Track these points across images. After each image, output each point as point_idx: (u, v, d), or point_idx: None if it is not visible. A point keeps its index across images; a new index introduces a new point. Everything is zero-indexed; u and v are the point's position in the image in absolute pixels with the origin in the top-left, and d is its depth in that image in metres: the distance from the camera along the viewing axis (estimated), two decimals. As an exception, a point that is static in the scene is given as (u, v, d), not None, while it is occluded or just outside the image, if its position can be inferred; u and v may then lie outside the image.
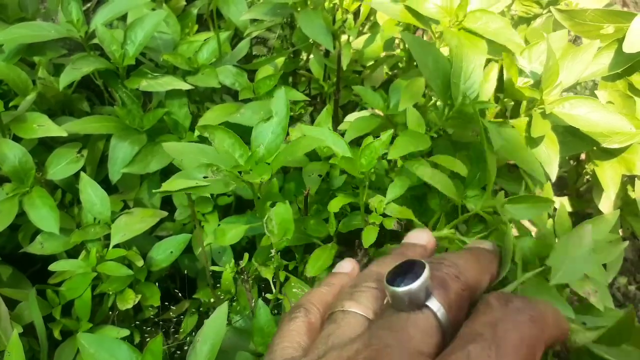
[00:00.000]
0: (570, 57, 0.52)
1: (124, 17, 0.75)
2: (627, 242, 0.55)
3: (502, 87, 0.56)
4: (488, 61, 0.65)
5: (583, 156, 0.67)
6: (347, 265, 0.38)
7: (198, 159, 0.43)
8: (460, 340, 0.27)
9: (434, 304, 0.29)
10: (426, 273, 0.29)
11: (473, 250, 0.37)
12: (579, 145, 0.53)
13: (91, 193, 0.57)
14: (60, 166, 0.60)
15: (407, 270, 0.29)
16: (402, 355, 0.26)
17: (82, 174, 0.58)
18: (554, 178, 0.50)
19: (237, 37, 0.87)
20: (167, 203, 0.68)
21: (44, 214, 0.56)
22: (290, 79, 0.83)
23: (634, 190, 0.60)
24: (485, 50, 0.52)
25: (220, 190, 0.43)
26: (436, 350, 0.28)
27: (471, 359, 0.25)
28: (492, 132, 0.46)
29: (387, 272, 0.30)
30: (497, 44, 0.53)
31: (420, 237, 0.38)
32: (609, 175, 0.55)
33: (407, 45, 0.65)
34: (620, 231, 0.72)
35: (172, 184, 0.41)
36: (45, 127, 0.58)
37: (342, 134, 0.61)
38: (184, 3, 0.84)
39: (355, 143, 0.58)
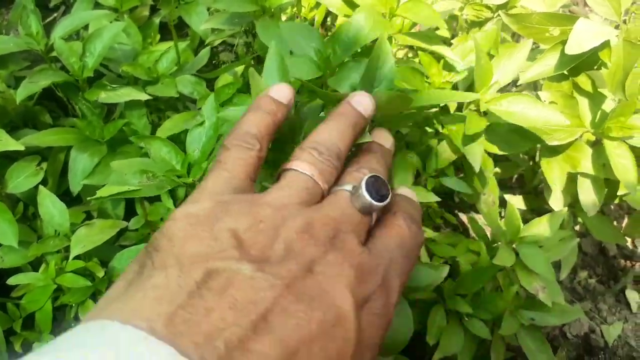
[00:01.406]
0: (505, 56, 0.54)
1: (87, 28, 0.76)
2: (578, 239, 0.57)
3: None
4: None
5: (537, 154, 0.69)
6: (286, 93, 0.37)
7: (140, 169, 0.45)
8: (384, 243, 0.32)
9: (375, 214, 0.34)
10: (390, 193, 0.33)
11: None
12: (522, 142, 0.55)
13: (50, 205, 0.58)
14: (20, 179, 0.61)
15: (380, 185, 0.33)
16: (356, 242, 0.31)
17: (41, 187, 0.59)
18: (477, 169, 0.51)
19: (202, 44, 0.88)
20: (132, 213, 0.68)
21: (2, 228, 0.56)
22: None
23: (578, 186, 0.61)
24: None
25: (152, 192, 0.45)
26: None
27: (394, 262, 0.31)
28: None
29: (364, 182, 0.33)
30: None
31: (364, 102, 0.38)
32: (555, 172, 0.56)
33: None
34: (577, 227, 0.74)
35: (106, 190, 0.43)
36: (2, 141, 0.58)
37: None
38: (147, 13, 0.85)
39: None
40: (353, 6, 0.57)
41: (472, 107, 0.51)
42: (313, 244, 0.29)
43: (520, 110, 0.49)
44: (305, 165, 0.33)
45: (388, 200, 0.33)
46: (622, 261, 0.78)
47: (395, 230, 0.34)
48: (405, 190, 0.39)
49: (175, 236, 0.28)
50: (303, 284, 0.27)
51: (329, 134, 0.35)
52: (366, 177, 0.33)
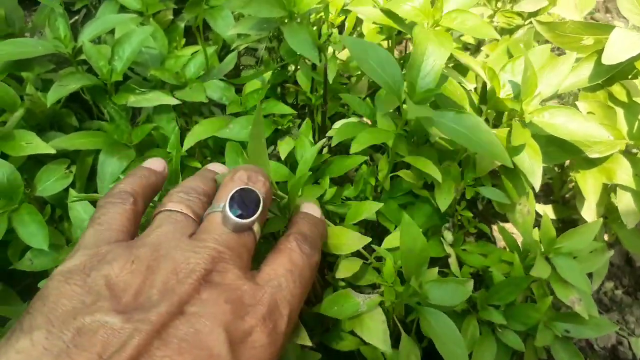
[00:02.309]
0: (549, 68, 0.53)
1: (112, 31, 0.76)
2: (612, 252, 0.56)
3: (485, 98, 0.57)
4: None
5: (567, 163, 0.68)
6: (159, 164, 0.41)
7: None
8: (273, 269, 0.33)
9: (257, 228, 0.34)
10: (262, 206, 0.33)
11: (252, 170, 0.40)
12: (560, 154, 0.54)
13: (80, 210, 0.58)
14: (49, 182, 0.61)
15: (248, 197, 0.34)
16: (236, 272, 0.30)
17: (71, 190, 0.59)
18: (537, 187, 0.51)
19: (225, 48, 0.88)
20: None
21: (33, 231, 0.56)
22: (279, 90, 0.84)
23: (617, 198, 0.61)
24: (451, 45, 0.52)
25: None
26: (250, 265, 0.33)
27: (283, 288, 0.32)
28: (434, 120, 0.46)
29: (228, 197, 0.33)
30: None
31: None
32: (590, 183, 0.56)
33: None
34: (605, 236, 0.73)
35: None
36: (33, 144, 0.58)
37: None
38: (171, 17, 0.85)
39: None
40: (393, 17, 0.56)
41: (516, 117, 0.50)
42: (186, 282, 0.29)
43: (562, 123, 0.48)
44: (172, 204, 0.35)
45: (257, 214, 0.33)
46: (649, 272, 0.77)
47: (285, 253, 0.34)
48: (309, 206, 0.40)
49: (49, 295, 0.29)
50: (174, 327, 0.27)
51: (190, 182, 0.38)
52: (232, 193, 0.33)
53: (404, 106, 0.51)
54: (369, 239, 0.46)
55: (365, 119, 0.64)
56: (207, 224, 0.33)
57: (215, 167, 0.42)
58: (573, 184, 0.70)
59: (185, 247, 0.31)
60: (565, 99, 0.93)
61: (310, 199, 0.45)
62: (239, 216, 0.33)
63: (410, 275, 0.46)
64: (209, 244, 0.31)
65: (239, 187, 0.34)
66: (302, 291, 0.33)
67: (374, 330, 0.45)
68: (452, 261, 0.57)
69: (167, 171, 0.41)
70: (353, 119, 0.64)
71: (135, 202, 0.35)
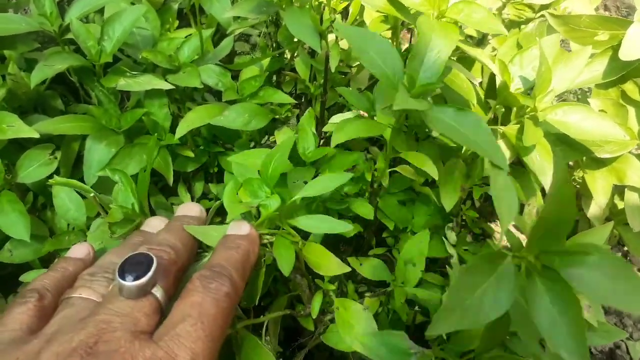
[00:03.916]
0: (562, 63, 0.51)
1: (101, 11, 0.72)
2: (619, 255, 0.54)
3: (493, 93, 0.55)
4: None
5: (571, 162, 0.66)
6: (82, 250, 0.42)
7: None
8: (172, 320, 0.33)
9: (158, 291, 0.34)
10: (154, 267, 0.34)
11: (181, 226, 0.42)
12: (570, 154, 0.52)
13: (65, 197, 0.54)
14: (32, 168, 0.57)
15: (137, 262, 0.34)
16: (127, 337, 0.31)
17: (55, 176, 0.55)
18: (548, 188, 0.49)
19: (218, 32, 0.84)
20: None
21: (13, 220, 0.52)
22: (275, 78, 0.81)
23: (621, 200, 0.59)
24: (457, 37, 0.49)
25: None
26: (156, 326, 0.33)
27: (181, 336, 0.31)
28: (430, 115, 0.44)
29: (119, 264, 0.34)
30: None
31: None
32: (599, 184, 0.54)
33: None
34: (606, 238, 0.72)
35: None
36: (15, 127, 0.55)
37: (328, 137, 0.59)
38: (164, -3, 0.81)
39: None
40: (397, 6, 0.53)
41: (528, 115, 0.48)
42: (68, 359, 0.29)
43: (576, 121, 0.46)
44: (71, 290, 0.36)
45: (145, 278, 0.33)
46: (647, 275, 0.76)
47: (186, 298, 0.34)
48: (234, 226, 0.41)
49: None
50: None
51: (104, 259, 0.39)
52: (123, 259, 0.34)
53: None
54: (348, 269, 0.45)
55: (363, 112, 0.62)
56: (106, 297, 0.35)
57: (152, 222, 0.43)
58: (576, 183, 0.68)
59: (74, 327, 0.32)
60: (565, 96, 0.92)
61: (238, 218, 0.44)
62: (135, 279, 0.33)
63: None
64: (98, 316, 0.32)
65: (130, 254, 0.35)
66: (210, 332, 0.33)
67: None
68: (454, 262, 0.55)
69: (92, 254, 0.42)
70: (351, 114, 0.62)
71: (41, 298, 0.36)
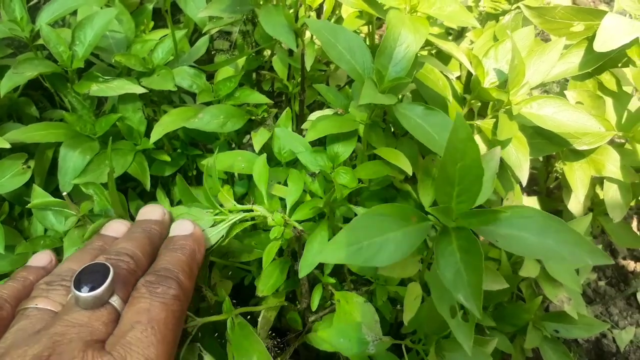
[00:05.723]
0: (537, 55, 0.50)
1: (75, 13, 0.71)
2: (600, 246, 0.54)
3: (469, 87, 0.55)
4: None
5: (553, 154, 0.66)
6: (44, 258, 0.41)
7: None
8: (121, 329, 0.32)
9: (117, 301, 0.34)
10: (110, 277, 0.33)
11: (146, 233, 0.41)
12: (547, 146, 0.52)
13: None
14: (5, 179, 0.56)
15: (93, 272, 0.34)
16: (81, 346, 0.30)
17: (35, 186, 0.54)
18: (524, 182, 0.49)
19: (196, 32, 0.83)
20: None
21: (-13, 232, 0.52)
22: (254, 77, 0.80)
23: (602, 190, 0.59)
24: (427, 31, 0.48)
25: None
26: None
27: (132, 344, 0.31)
28: (398, 112, 0.43)
29: (75, 274, 0.34)
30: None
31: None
32: (578, 176, 0.53)
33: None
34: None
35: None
36: (-15, 137, 0.54)
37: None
38: (139, -2, 0.80)
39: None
40: (369, 1, 0.53)
41: (503, 109, 0.47)
42: None
43: (551, 114, 0.46)
44: (26, 301, 0.35)
45: (101, 289, 0.33)
46: (632, 263, 0.76)
47: (133, 306, 0.34)
48: (178, 227, 0.40)
49: None
50: None
51: (62, 266, 0.38)
52: (78, 271, 0.34)
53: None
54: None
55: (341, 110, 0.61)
56: (63, 307, 0.34)
57: (113, 226, 0.42)
58: (558, 174, 0.68)
59: (28, 340, 0.31)
60: (548, 87, 0.91)
61: (182, 218, 0.43)
62: (91, 290, 0.33)
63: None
64: (53, 329, 0.32)
65: (86, 265, 0.34)
66: (162, 336, 0.33)
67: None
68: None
69: (54, 262, 0.41)
70: (329, 111, 0.61)
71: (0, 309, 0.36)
